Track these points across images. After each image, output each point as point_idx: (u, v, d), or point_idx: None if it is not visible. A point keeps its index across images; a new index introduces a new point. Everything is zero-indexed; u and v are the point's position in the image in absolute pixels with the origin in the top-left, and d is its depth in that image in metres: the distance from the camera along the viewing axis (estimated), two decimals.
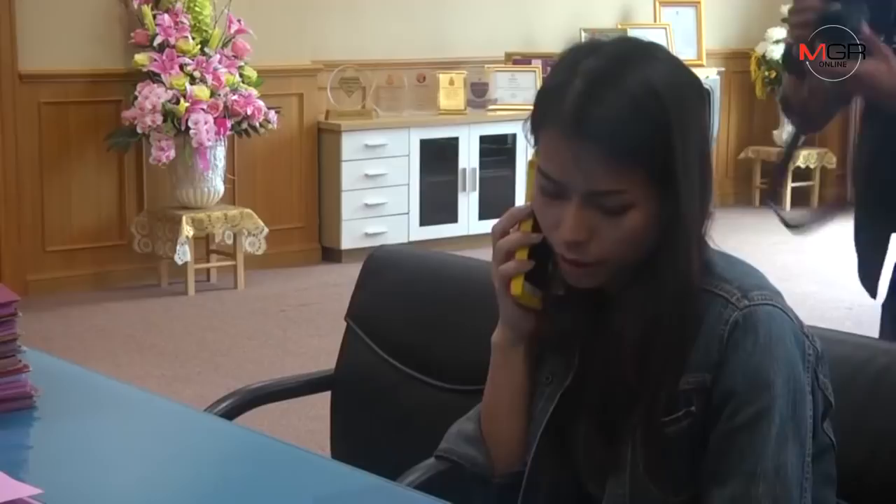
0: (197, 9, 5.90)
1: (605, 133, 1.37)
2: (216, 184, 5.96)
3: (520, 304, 1.53)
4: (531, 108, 1.47)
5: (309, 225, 6.72)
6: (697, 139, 1.43)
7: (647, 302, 1.43)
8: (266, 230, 6.09)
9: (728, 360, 1.40)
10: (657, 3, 7.95)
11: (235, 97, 5.80)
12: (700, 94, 1.47)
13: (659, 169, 1.39)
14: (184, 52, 5.77)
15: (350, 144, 6.57)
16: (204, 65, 5.77)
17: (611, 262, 1.43)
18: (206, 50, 5.86)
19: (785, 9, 8.27)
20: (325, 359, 3.56)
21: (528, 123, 1.47)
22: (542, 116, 1.44)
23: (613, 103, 1.38)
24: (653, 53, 1.45)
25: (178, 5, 5.85)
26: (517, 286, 1.50)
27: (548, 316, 1.54)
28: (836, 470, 1.53)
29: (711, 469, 1.41)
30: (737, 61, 8.42)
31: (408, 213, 6.79)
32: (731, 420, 1.40)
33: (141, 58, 5.77)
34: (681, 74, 1.45)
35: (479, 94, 7.07)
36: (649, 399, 1.42)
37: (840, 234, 7.51)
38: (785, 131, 8.36)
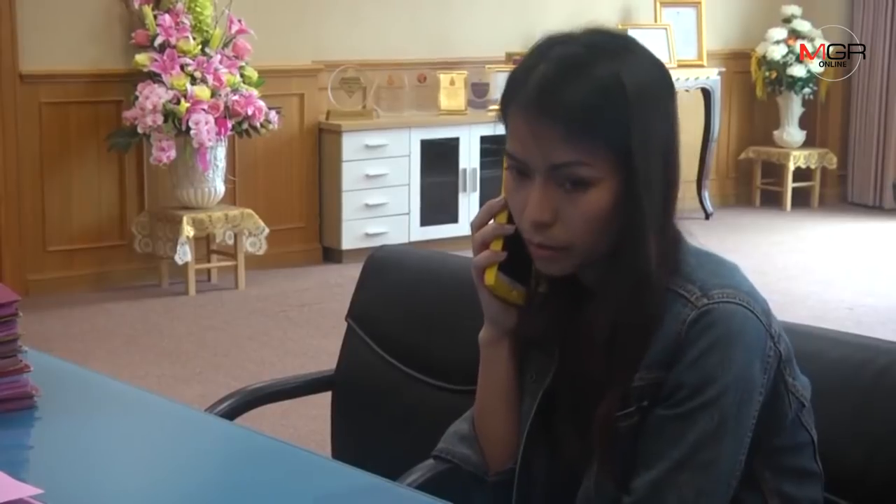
0: (198, 9, 5.90)
1: (564, 108, 1.39)
2: (217, 184, 5.96)
3: (496, 296, 1.54)
4: None
5: (309, 225, 6.72)
6: (661, 134, 1.44)
7: (611, 295, 1.44)
8: (267, 230, 6.09)
9: (682, 356, 1.41)
10: (658, 4, 7.95)
11: (236, 97, 5.80)
12: (670, 92, 1.48)
13: (618, 152, 1.40)
14: (184, 53, 5.77)
15: (351, 145, 6.57)
16: (205, 65, 5.77)
17: (576, 246, 1.44)
18: (207, 50, 5.86)
19: (785, 9, 8.29)
20: (325, 359, 3.57)
21: (499, 109, 1.49)
22: (508, 97, 1.47)
23: (576, 84, 1.40)
24: (626, 47, 1.47)
25: (179, 5, 5.85)
26: (490, 276, 1.52)
27: (529, 313, 1.55)
28: (819, 464, 1.53)
29: (642, 452, 1.43)
30: (737, 62, 8.42)
31: (408, 214, 6.79)
32: (671, 408, 1.41)
33: (142, 58, 5.77)
34: (652, 70, 1.46)
35: (479, 94, 7.07)
36: (610, 394, 1.43)
37: (841, 234, 7.50)
38: (785, 131, 8.37)
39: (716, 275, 1.45)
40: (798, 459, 1.50)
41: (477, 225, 1.55)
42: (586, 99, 1.39)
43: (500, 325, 1.58)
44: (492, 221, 1.53)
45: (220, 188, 5.99)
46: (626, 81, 1.40)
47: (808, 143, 8.50)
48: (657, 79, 1.46)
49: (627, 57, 1.44)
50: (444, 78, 6.97)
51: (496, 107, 6.49)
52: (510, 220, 1.50)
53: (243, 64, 5.97)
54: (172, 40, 5.77)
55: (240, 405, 2.19)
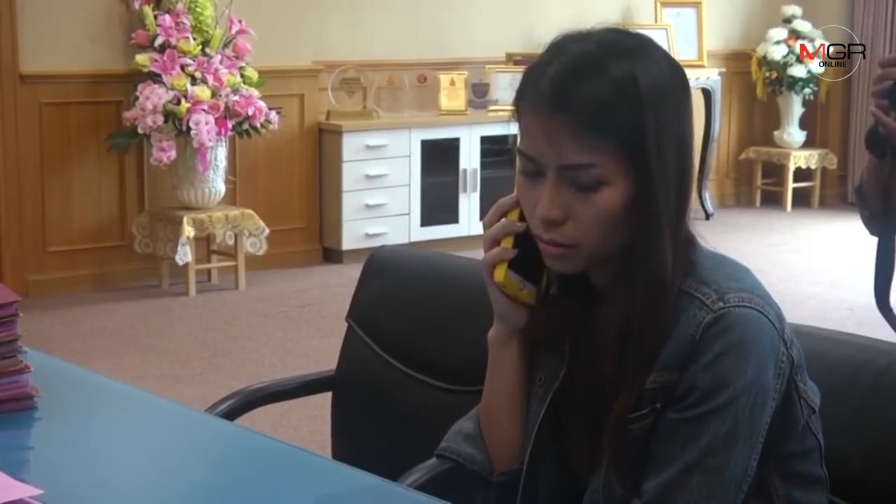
0: (198, 9, 5.90)
1: (577, 108, 1.38)
2: (217, 184, 5.96)
3: (506, 293, 1.54)
4: None
5: (310, 225, 6.72)
6: (676, 134, 1.44)
7: (624, 295, 1.43)
8: (267, 231, 6.09)
9: (696, 359, 1.40)
10: (658, 4, 7.96)
11: (236, 98, 5.80)
12: (685, 92, 1.48)
13: (631, 151, 1.40)
14: (185, 53, 5.77)
15: (351, 145, 6.57)
16: (205, 65, 5.77)
17: (587, 245, 1.43)
18: (207, 50, 5.86)
19: (785, 9, 8.29)
20: (325, 359, 3.57)
21: (512, 106, 1.49)
22: (521, 95, 1.46)
23: (590, 83, 1.39)
24: (642, 47, 1.45)
25: (180, 6, 5.85)
26: (500, 273, 1.51)
27: (540, 313, 1.55)
28: (825, 470, 1.53)
29: (654, 454, 1.42)
30: (738, 62, 8.42)
31: (408, 214, 6.79)
32: (684, 410, 1.41)
33: (142, 58, 5.78)
34: (667, 69, 1.45)
35: (479, 94, 7.07)
36: (623, 394, 1.43)
37: (841, 234, 7.47)
38: (786, 131, 8.37)
39: (731, 278, 1.45)
40: (806, 465, 1.50)
41: (488, 222, 1.55)
42: (599, 97, 1.38)
43: (510, 323, 1.57)
44: (503, 219, 1.53)
45: (221, 188, 5.99)
46: (640, 80, 1.39)
47: (808, 144, 8.50)
48: (672, 79, 1.45)
49: (642, 56, 1.43)
50: (444, 78, 6.97)
51: (496, 107, 6.50)
52: (521, 218, 1.50)
53: (243, 64, 5.97)
54: (172, 40, 5.77)
55: (240, 405, 2.19)
